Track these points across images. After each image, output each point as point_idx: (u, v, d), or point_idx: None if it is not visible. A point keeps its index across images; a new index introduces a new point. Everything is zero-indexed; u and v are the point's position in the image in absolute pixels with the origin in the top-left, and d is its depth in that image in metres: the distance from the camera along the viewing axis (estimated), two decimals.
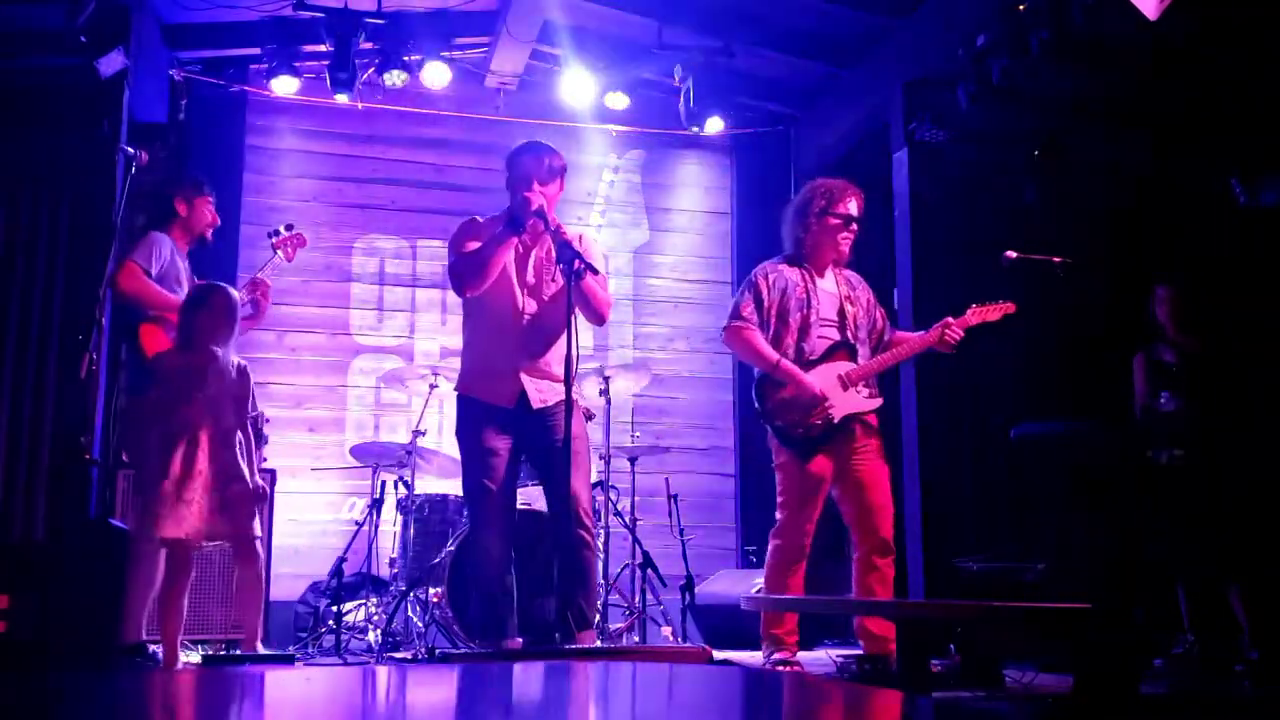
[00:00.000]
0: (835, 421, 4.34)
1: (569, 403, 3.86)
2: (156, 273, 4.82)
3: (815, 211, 4.48)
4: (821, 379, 4.37)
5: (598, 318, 4.25)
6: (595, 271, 4.04)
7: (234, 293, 4.36)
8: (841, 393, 4.38)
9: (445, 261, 4.58)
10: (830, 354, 4.43)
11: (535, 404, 4.14)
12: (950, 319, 4.46)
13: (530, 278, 4.22)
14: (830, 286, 4.54)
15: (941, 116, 5.53)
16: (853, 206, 4.51)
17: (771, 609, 4.39)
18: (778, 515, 4.39)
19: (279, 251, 5.36)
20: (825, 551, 5.92)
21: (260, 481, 4.27)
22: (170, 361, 4.23)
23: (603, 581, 5.17)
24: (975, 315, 4.50)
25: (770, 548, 4.40)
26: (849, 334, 4.47)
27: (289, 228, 5.43)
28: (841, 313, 4.50)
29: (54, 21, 5.00)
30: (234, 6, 5.93)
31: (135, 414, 4.38)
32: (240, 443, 4.19)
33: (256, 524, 4.23)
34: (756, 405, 4.46)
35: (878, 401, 4.48)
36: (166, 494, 4.03)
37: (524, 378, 4.14)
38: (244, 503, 4.15)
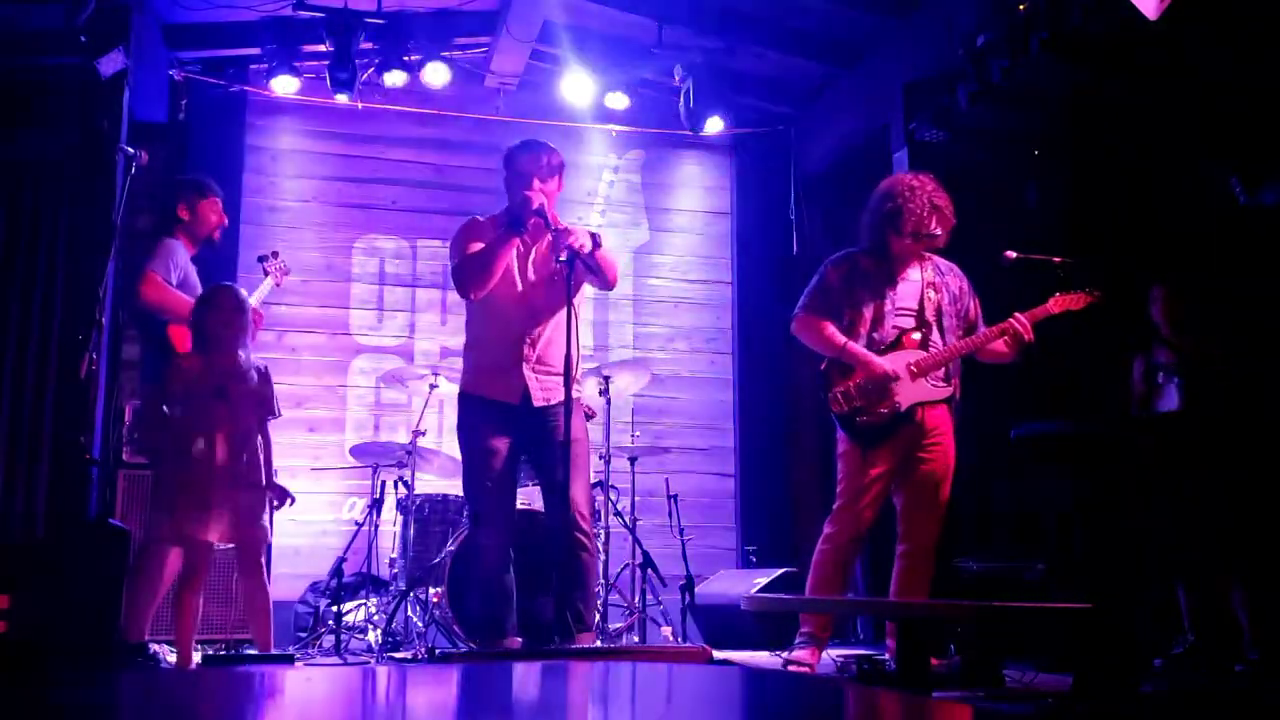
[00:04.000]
0: (902, 410, 4.18)
1: (568, 402, 3.85)
2: (176, 280, 4.82)
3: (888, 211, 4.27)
4: (889, 366, 4.20)
5: (607, 285, 4.22)
6: (594, 271, 4.03)
7: (241, 291, 4.36)
8: (909, 381, 4.20)
9: (445, 261, 4.58)
10: (900, 342, 4.25)
11: (537, 401, 4.12)
12: (1019, 313, 4.23)
13: (532, 274, 4.20)
14: (914, 274, 4.34)
15: (941, 116, 5.53)
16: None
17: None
18: (835, 504, 4.24)
19: (270, 275, 5.37)
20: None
21: (280, 484, 4.25)
22: (190, 364, 4.22)
23: (603, 581, 5.17)
24: (1057, 304, 4.28)
25: (822, 535, 4.25)
26: (927, 322, 4.28)
27: (275, 255, 5.46)
28: (921, 301, 4.30)
29: (54, 21, 5.00)
30: (234, 6, 5.93)
31: (151, 415, 4.38)
32: (260, 445, 4.19)
33: (267, 525, 4.21)
34: (822, 393, 4.29)
35: (947, 390, 4.27)
36: (187, 495, 4.04)
37: (528, 374, 4.13)
38: (258, 505, 4.14)
